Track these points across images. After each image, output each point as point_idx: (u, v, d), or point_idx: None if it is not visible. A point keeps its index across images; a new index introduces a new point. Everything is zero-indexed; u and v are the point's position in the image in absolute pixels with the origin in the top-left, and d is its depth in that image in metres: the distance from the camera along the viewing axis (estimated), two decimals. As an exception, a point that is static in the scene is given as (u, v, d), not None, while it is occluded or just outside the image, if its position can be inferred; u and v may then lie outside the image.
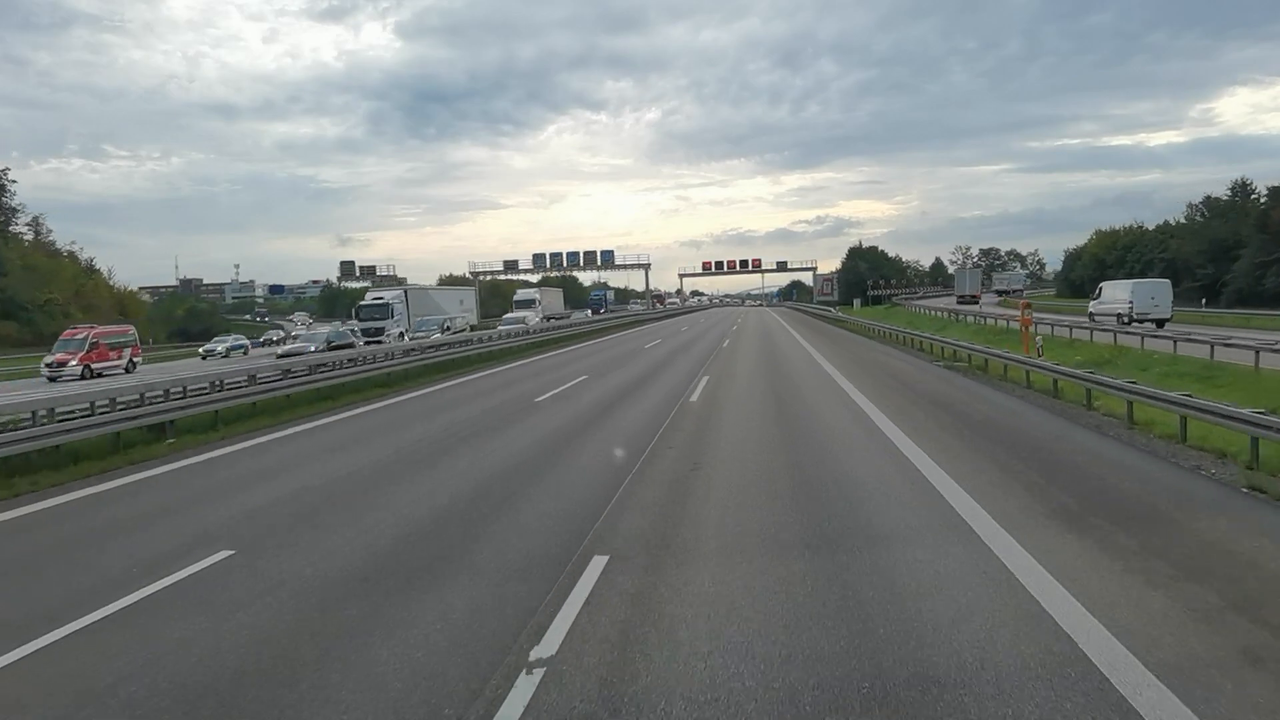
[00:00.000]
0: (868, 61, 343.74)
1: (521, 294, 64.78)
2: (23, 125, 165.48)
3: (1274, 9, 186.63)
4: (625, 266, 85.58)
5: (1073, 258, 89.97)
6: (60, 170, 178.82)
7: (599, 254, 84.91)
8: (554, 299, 68.63)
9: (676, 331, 51.56)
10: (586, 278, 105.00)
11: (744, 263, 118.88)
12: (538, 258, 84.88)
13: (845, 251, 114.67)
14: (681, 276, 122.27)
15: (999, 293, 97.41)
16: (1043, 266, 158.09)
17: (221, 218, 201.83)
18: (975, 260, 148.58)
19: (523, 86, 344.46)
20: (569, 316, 67.42)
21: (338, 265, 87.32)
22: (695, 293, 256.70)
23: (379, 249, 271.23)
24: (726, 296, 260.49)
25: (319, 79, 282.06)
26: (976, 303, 66.59)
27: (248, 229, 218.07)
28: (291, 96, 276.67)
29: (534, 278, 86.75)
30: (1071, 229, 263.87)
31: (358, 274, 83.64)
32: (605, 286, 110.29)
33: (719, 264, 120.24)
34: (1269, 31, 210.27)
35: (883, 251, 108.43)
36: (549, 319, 59.67)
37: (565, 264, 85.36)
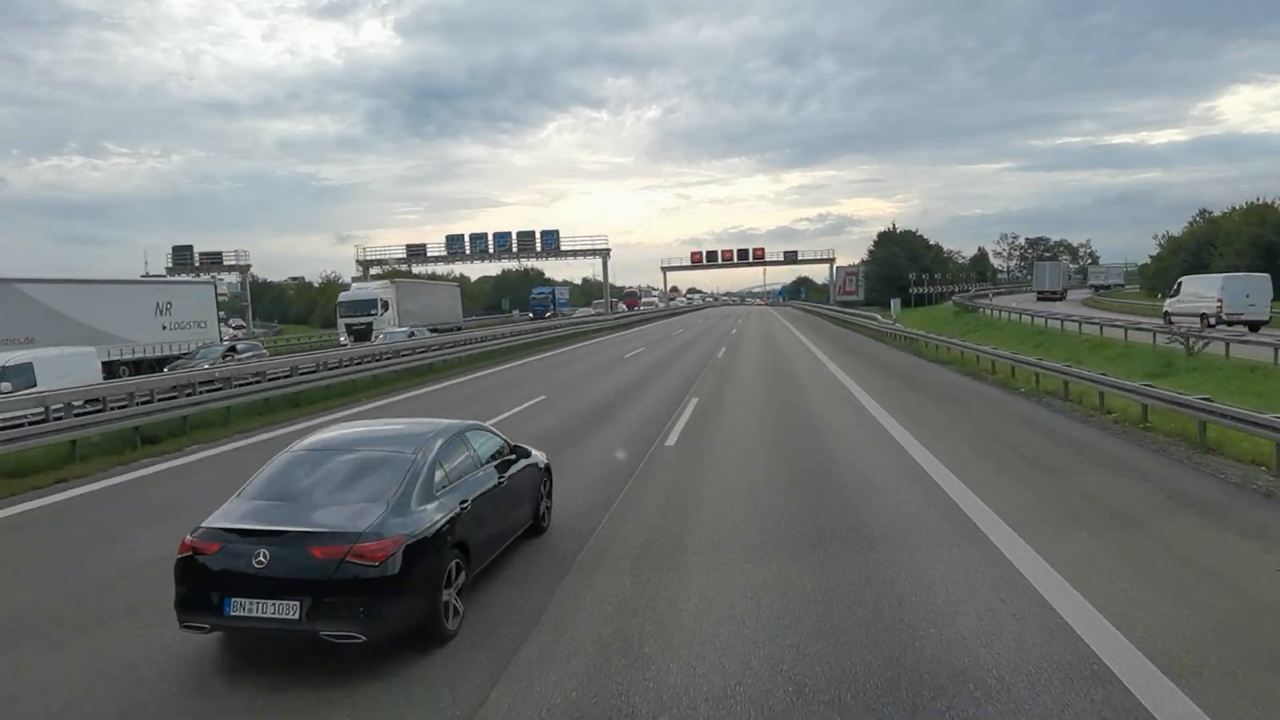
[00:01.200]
0: (868, 60, 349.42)
1: (355, 293, 39.52)
2: (23, 123, 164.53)
3: (1275, 8, 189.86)
4: (574, 253, 61.27)
5: (1196, 244, 65.06)
6: (61, 168, 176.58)
7: (539, 236, 60.52)
8: (432, 299, 43.71)
9: (610, 363, 27.32)
10: (572, 272, 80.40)
11: (743, 254, 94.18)
12: (454, 241, 60.62)
13: (850, 249, 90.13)
14: (666, 270, 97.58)
15: (1096, 288, 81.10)
16: (1094, 259, 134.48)
17: (222, 215, 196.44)
18: (1023, 250, 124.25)
19: (523, 84, 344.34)
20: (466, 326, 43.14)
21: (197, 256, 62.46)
22: (692, 290, 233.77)
23: (378, 246, 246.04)
24: (725, 295, 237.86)
25: (319, 76, 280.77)
26: (1061, 299, 57.12)
27: (249, 227, 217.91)
28: (291, 94, 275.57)
29: (465, 270, 63.55)
30: (1073, 228, 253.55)
31: (196, 264, 59.24)
32: (553, 284, 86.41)
33: (711, 255, 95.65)
34: (1270, 30, 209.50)
35: (921, 236, 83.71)
36: (412, 333, 35.28)
37: (492, 249, 61.06)
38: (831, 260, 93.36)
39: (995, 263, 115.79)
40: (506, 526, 6.59)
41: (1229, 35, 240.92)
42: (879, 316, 43.14)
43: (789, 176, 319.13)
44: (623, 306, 77.80)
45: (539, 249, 60.23)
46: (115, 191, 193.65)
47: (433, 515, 5.28)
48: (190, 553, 4.94)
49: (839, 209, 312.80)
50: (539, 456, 7.67)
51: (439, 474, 5.66)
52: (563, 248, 60.10)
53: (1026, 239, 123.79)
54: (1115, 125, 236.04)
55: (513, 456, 7.04)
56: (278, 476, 5.60)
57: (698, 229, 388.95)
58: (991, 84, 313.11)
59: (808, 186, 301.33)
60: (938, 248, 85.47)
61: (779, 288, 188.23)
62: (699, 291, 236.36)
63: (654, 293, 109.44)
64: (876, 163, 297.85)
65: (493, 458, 6.64)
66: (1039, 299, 58.94)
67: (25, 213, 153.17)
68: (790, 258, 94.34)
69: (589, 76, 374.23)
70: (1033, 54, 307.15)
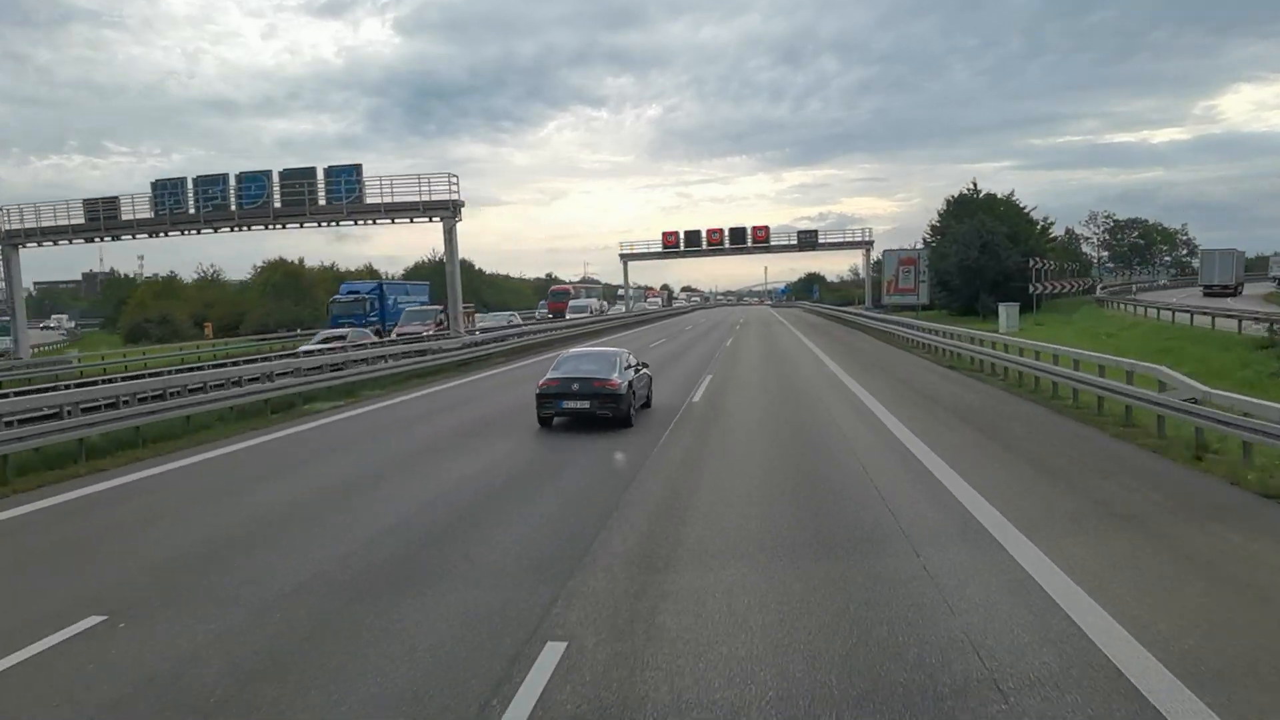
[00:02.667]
0: (868, 59, 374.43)
1: None
2: (23, 122, 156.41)
3: (1277, 7, 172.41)
4: (391, 210, 30.20)
5: None
6: (61, 167, 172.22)
7: (321, 181, 30.01)
8: None
9: None
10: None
11: (738, 236, 64.94)
12: (165, 191, 30.40)
13: (880, 237, 60.81)
14: (625, 259, 67.76)
15: None
16: (1190, 248, 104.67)
17: None
18: (1109, 230, 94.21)
19: (523, 83, 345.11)
20: None
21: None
22: (687, 289, 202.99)
23: (379, 245, 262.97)
24: (721, 295, 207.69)
25: (318, 75, 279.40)
26: (1236, 295, 44.63)
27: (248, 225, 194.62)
28: (291, 93, 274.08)
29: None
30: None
31: None
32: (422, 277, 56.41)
33: (694, 238, 66.08)
34: (1272, 29, 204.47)
35: (1016, 203, 53.22)
36: None
37: (235, 206, 30.80)
38: (868, 244, 63.41)
39: (1088, 249, 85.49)
40: (641, 393, 14.45)
41: (1231, 34, 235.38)
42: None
43: (790, 175, 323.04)
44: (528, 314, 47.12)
45: (322, 203, 30.15)
46: (115, 190, 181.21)
47: (627, 378, 13.34)
48: (545, 387, 13.19)
49: (840, 208, 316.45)
50: (649, 370, 15.81)
51: (624, 364, 13.73)
52: (368, 199, 29.93)
53: (1113, 220, 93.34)
54: (1116, 124, 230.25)
55: (640, 365, 14.97)
56: (564, 363, 13.92)
57: (698, 226, 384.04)
58: (992, 83, 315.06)
59: (809, 185, 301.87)
60: (1046, 224, 54.93)
61: (782, 286, 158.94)
62: (692, 290, 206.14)
63: (626, 293, 78.76)
64: (877, 161, 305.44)
65: (636, 364, 14.63)
66: (1205, 295, 45.40)
67: (27, 211, 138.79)
68: (807, 240, 64.50)
69: (589, 75, 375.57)
70: (1033, 53, 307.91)
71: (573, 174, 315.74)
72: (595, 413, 12.88)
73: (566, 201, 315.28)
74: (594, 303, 58.01)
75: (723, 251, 66.26)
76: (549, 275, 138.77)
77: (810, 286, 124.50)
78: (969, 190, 54.28)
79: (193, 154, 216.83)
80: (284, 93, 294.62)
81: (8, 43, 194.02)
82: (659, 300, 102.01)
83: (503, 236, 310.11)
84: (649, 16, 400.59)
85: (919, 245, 56.20)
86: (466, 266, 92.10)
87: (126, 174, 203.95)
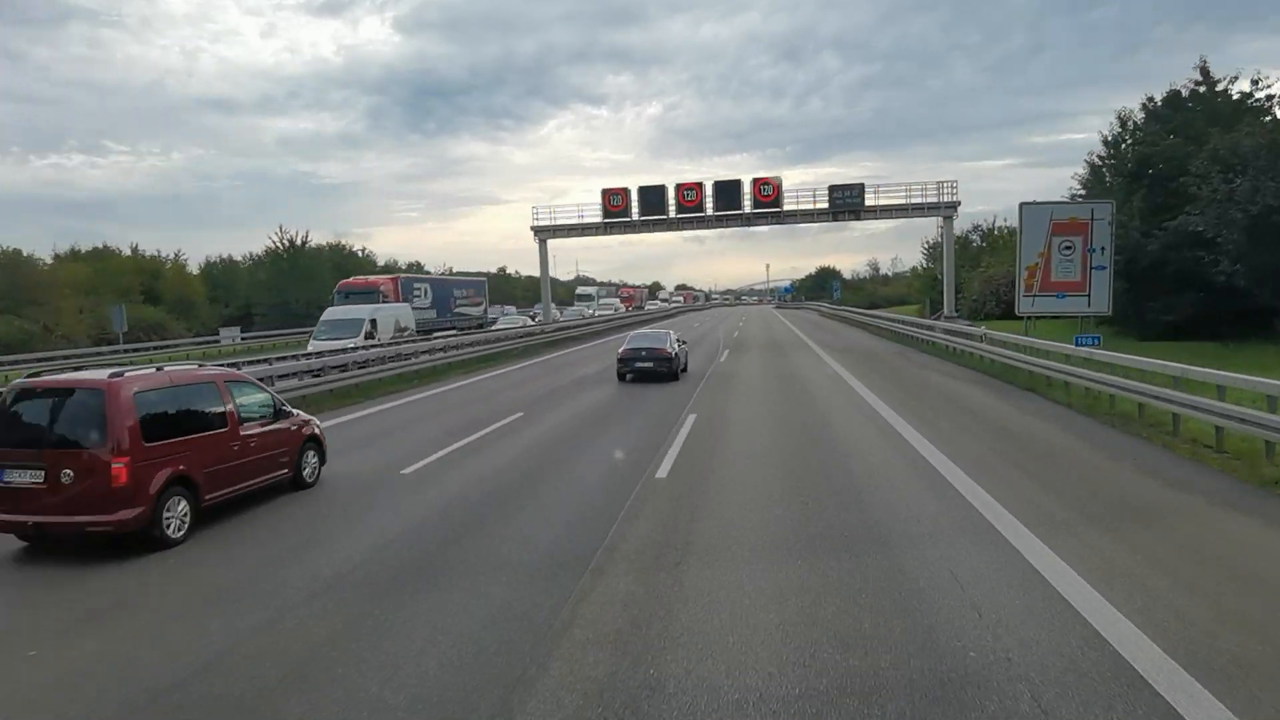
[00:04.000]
0: (870, 56, 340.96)
1: None
2: (22, 120, 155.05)
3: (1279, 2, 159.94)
4: None
5: None
6: (60, 166, 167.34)
7: None
8: None
9: None
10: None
11: (726, 193, 38.65)
12: None
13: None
14: (541, 235, 41.79)
15: None
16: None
17: (223, 214, 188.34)
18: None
19: (523, 81, 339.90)
20: None
21: None
22: (682, 287, 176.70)
23: (378, 244, 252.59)
24: (720, 294, 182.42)
25: (318, 74, 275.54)
26: None
27: (247, 224, 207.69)
28: (291, 92, 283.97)
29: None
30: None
31: None
32: None
33: (651, 197, 39.71)
34: (1276, 24, 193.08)
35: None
36: None
37: None
38: (951, 208, 37.18)
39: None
40: (683, 359, 22.02)
41: (1235, 29, 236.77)
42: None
43: (791, 173, 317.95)
44: None
45: None
46: (116, 189, 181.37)
47: (676, 349, 21.24)
48: (623, 354, 20.90)
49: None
50: (687, 346, 24.02)
51: (673, 339, 21.69)
52: None
53: None
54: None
55: (681, 341, 22.68)
56: (634, 340, 21.56)
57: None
58: (994, 80, 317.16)
59: (810, 184, 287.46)
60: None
61: (787, 284, 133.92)
62: (686, 288, 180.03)
63: (545, 291, 52.30)
64: (879, 159, 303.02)
65: (679, 339, 22.54)
66: None
67: (27, 210, 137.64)
68: (846, 202, 38.15)
69: (589, 73, 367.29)
70: (1036, 50, 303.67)
71: (574, 172, 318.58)
72: (656, 370, 20.25)
73: (568, 200, 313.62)
74: (396, 313, 30.77)
75: (705, 222, 40.09)
76: (500, 269, 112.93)
77: (827, 283, 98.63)
78: (1195, 83, 27.60)
79: (192, 153, 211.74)
80: (284, 91, 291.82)
81: (6, 40, 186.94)
82: (615, 303, 74.26)
83: (503, 235, 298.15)
84: (649, 14, 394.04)
85: (1086, 171, 29.31)
86: (355, 259, 65.89)
87: (126, 173, 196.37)
